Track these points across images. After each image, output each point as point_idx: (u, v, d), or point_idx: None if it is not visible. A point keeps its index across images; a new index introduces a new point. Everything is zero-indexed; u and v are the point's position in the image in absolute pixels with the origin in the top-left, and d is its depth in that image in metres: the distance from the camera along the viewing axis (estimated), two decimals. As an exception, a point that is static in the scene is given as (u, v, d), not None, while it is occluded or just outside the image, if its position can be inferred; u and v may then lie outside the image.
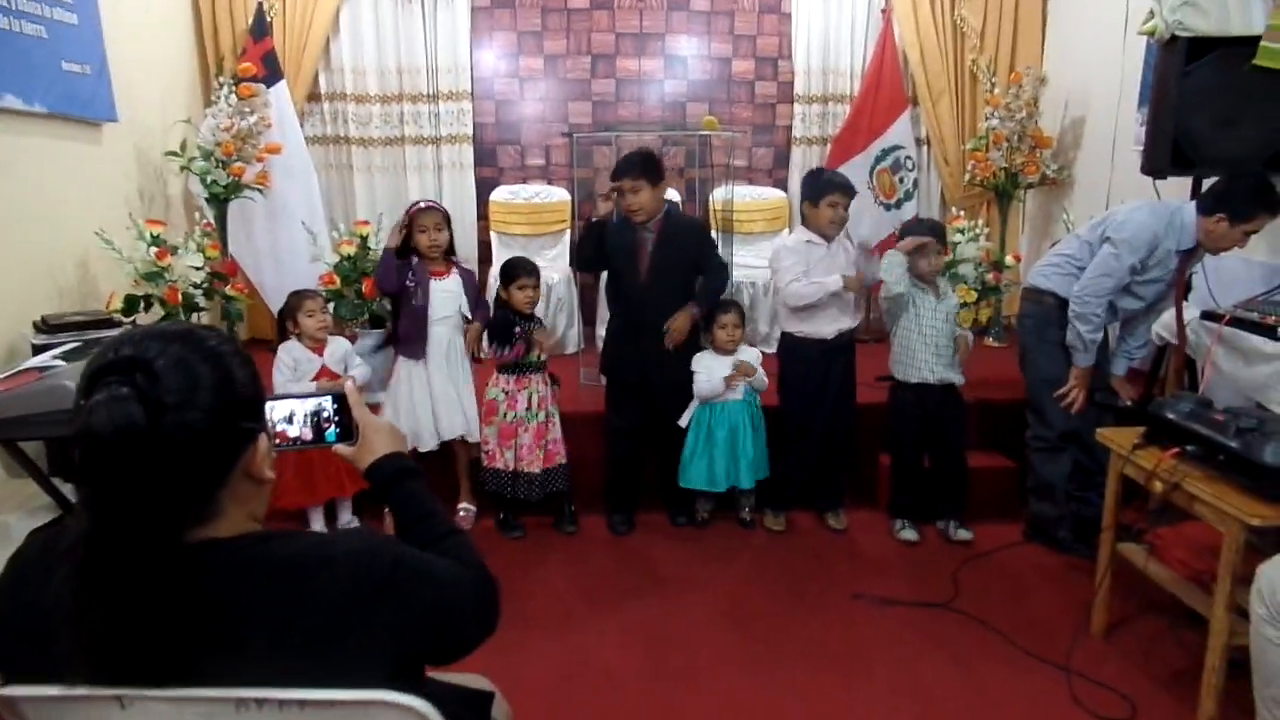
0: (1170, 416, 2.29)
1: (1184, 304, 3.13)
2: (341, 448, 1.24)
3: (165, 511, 0.89)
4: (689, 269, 3.34)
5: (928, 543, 3.36)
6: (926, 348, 3.24)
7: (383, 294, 3.47)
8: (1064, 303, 3.06)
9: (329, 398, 1.25)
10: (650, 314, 3.31)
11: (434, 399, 3.32)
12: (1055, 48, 5.07)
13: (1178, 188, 3.37)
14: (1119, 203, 4.18)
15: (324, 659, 0.91)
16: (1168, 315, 3.16)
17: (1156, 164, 3.18)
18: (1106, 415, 3.11)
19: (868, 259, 3.29)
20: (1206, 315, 3.03)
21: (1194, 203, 2.91)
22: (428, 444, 3.32)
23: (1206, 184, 2.99)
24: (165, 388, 0.88)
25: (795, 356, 3.41)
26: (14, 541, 2.35)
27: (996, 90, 4.81)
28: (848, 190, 3.29)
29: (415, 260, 3.25)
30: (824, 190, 3.27)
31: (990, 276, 4.27)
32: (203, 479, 0.93)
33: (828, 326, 3.32)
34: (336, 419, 1.25)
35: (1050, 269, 3.17)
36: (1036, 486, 3.26)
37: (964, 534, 3.34)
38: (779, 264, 3.35)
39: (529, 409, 3.30)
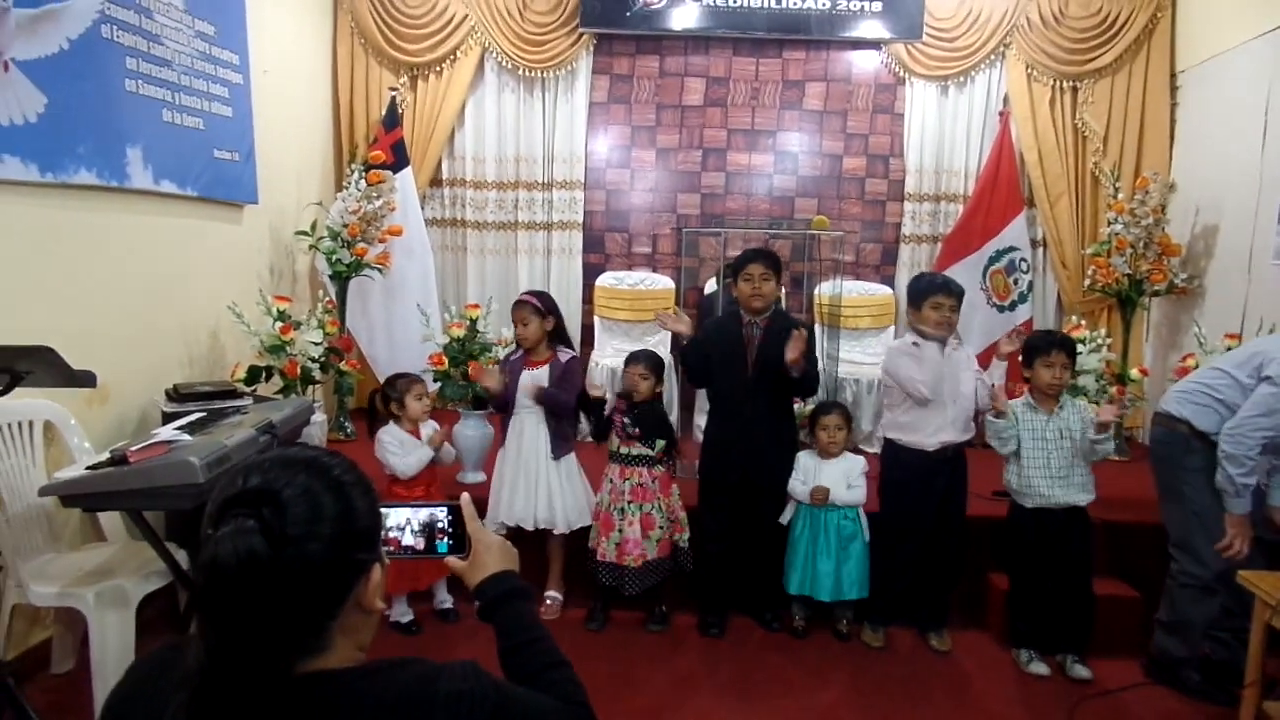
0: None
1: None
2: (453, 561, 1.23)
3: (280, 643, 0.90)
4: None
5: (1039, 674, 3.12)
6: (1039, 469, 3.06)
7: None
8: (1199, 433, 2.87)
9: (444, 508, 1.25)
10: (752, 410, 3.26)
11: (507, 485, 3.34)
12: (1185, 153, 4.89)
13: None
14: (1257, 317, 3.94)
15: None
16: None
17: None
18: (1257, 552, 2.84)
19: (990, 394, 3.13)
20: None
21: None
22: (493, 524, 3.34)
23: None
24: (291, 519, 0.90)
25: (896, 463, 3.28)
26: (129, 605, 2.44)
27: (1120, 196, 4.65)
28: (950, 289, 3.18)
29: (518, 353, 3.35)
30: (925, 292, 3.19)
31: (1114, 390, 4.05)
32: (317, 610, 0.93)
33: (930, 438, 3.17)
34: (450, 530, 1.24)
35: (1185, 397, 2.96)
36: (1173, 624, 2.98)
37: (1082, 671, 3.07)
38: (892, 364, 3.25)
39: (632, 501, 3.26)
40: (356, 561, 0.96)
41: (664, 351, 5.01)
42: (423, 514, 1.25)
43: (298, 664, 0.92)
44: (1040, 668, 3.11)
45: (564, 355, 3.40)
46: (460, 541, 1.24)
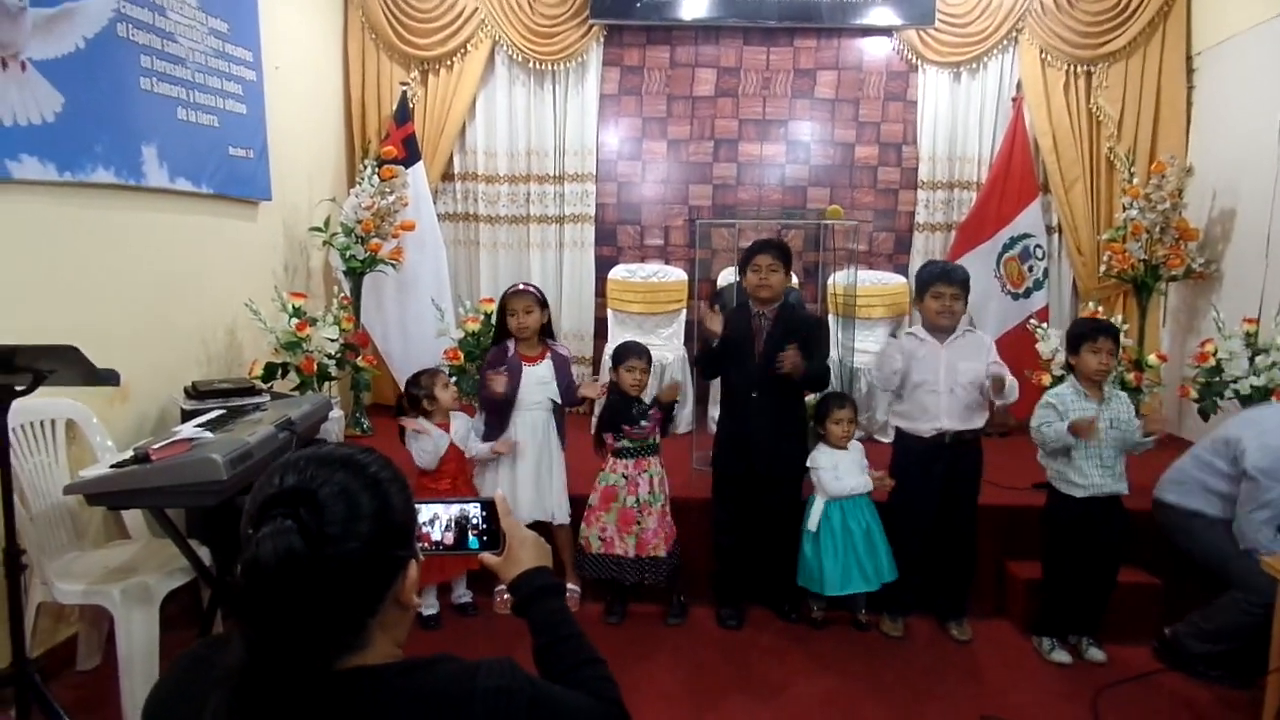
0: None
1: None
2: (487, 557, 1.23)
3: (320, 641, 0.90)
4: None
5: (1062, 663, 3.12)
6: (1090, 460, 3.05)
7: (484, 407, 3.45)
8: (1194, 511, 2.99)
9: (477, 505, 1.25)
10: (760, 402, 3.25)
11: (516, 483, 3.33)
12: (1202, 138, 4.84)
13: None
14: (1276, 301, 3.91)
15: None
16: None
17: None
18: None
19: (997, 392, 3.13)
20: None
21: None
22: None
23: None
24: (328, 518, 0.90)
25: (902, 449, 3.31)
26: (153, 602, 2.46)
27: (1136, 180, 4.62)
28: (951, 278, 3.16)
29: (511, 349, 3.31)
30: (927, 281, 3.20)
31: (1131, 376, 4.02)
32: (357, 607, 0.93)
33: (925, 425, 3.18)
34: (484, 526, 1.24)
35: (1175, 485, 3.10)
36: (1211, 632, 2.94)
37: (1097, 654, 3.11)
38: (880, 354, 3.30)
39: (651, 492, 3.27)
40: (395, 558, 0.96)
41: (677, 344, 5.02)
42: (454, 509, 1.24)
43: (338, 661, 0.93)
44: (1063, 656, 3.11)
45: (560, 349, 3.44)
46: (495, 537, 1.24)
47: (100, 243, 3.01)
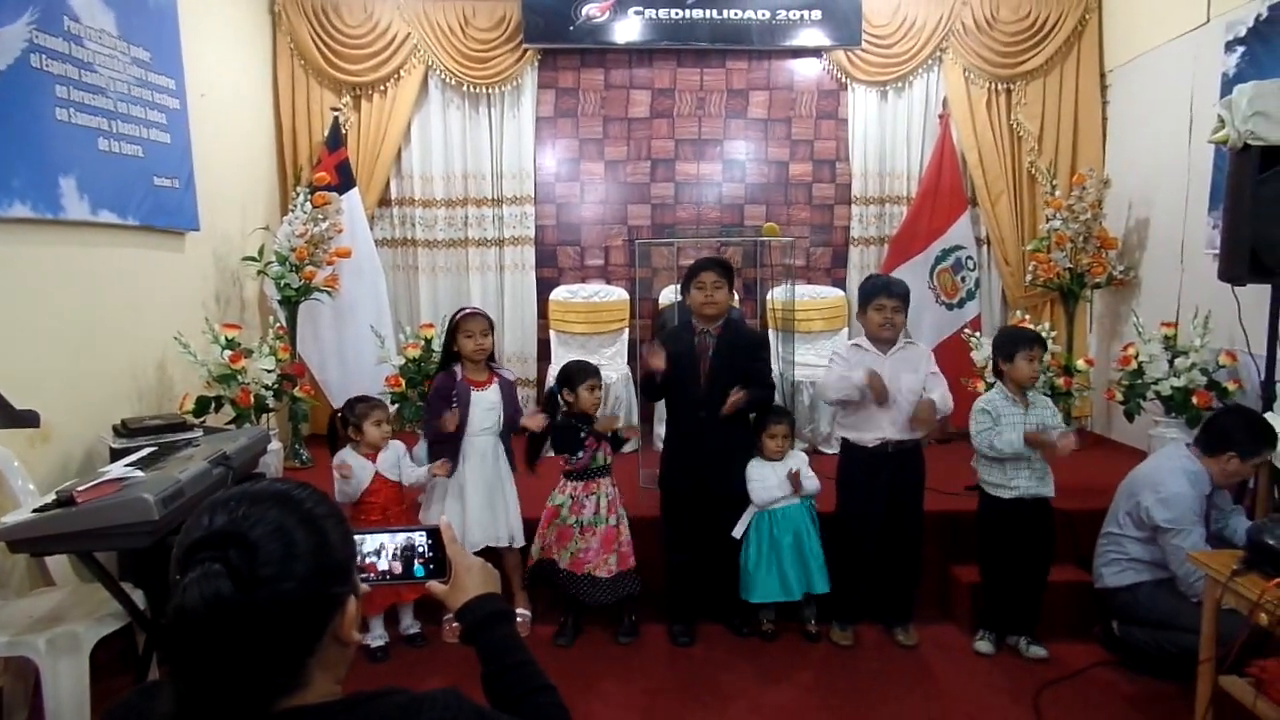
0: (1271, 543, 2.16)
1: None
2: (434, 585, 1.22)
3: (255, 685, 0.88)
4: (745, 379, 3.30)
5: (1003, 661, 3.20)
6: (1018, 465, 3.14)
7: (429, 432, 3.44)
8: (1132, 585, 3.07)
9: (423, 533, 1.24)
10: (705, 420, 3.27)
11: (466, 508, 3.29)
12: (1117, 151, 5.05)
13: (1256, 293, 3.29)
14: (1191, 305, 4.08)
15: None
16: None
17: (1235, 271, 3.11)
18: None
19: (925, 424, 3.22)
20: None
21: (1186, 448, 3.05)
22: None
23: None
24: (262, 559, 0.88)
25: (847, 459, 3.35)
26: (82, 651, 2.36)
27: (1058, 193, 4.79)
28: (892, 290, 3.24)
29: (458, 374, 3.29)
30: (870, 294, 3.27)
31: (1060, 381, 4.16)
32: (293, 648, 0.91)
33: (869, 434, 3.23)
34: (430, 555, 1.23)
35: (1106, 569, 3.16)
36: (1160, 623, 3.00)
37: (1038, 651, 3.19)
38: (828, 365, 3.32)
39: (597, 513, 3.26)
40: (332, 596, 0.94)
41: (620, 363, 5.03)
42: (400, 538, 1.23)
43: (275, 703, 0.90)
44: (985, 646, 3.24)
45: (506, 374, 3.45)
46: (441, 565, 1.23)
47: (17, 278, 2.90)
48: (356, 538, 1.20)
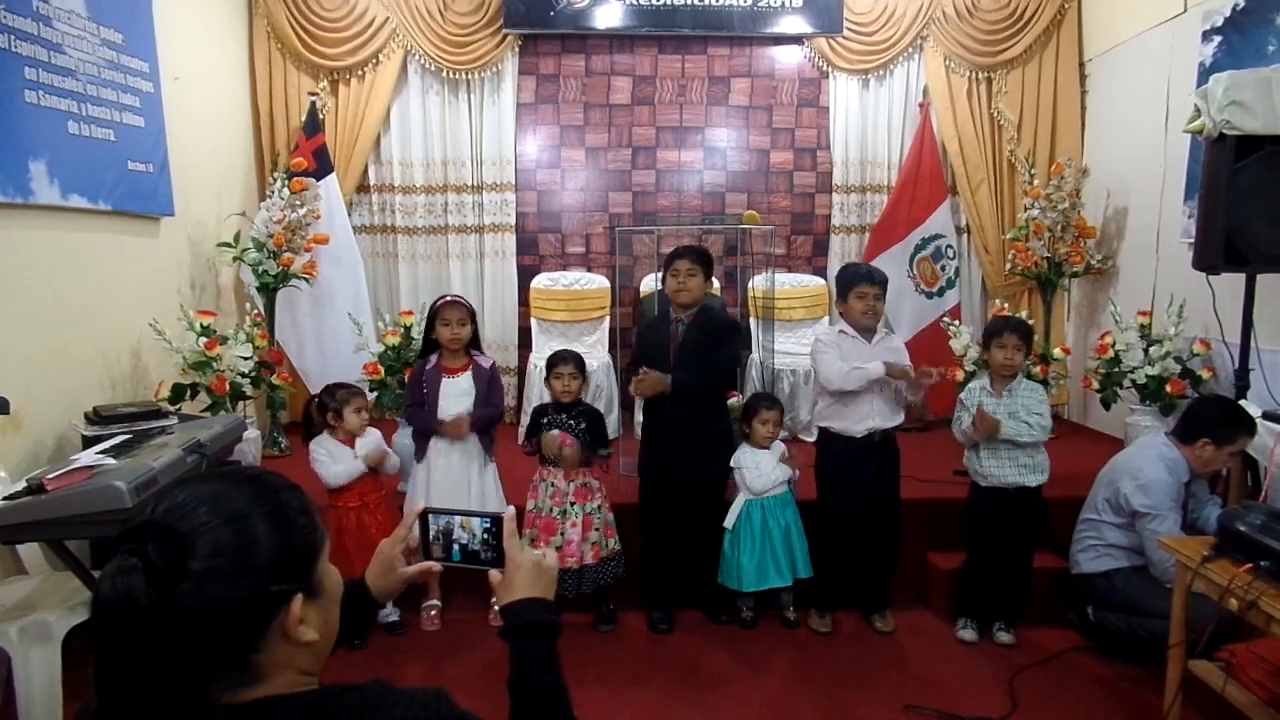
0: (1241, 529, 2.19)
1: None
2: (494, 574, 1.21)
3: (184, 680, 0.83)
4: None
5: (978, 647, 3.23)
6: (988, 453, 3.17)
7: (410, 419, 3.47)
8: (1108, 571, 3.10)
9: (486, 519, 1.23)
10: (678, 408, 3.28)
11: (431, 496, 3.27)
12: (1096, 140, 5.08)
13: (1231, 281, 3.32)
14: (1167, 293, 4.11)
15: None
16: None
17: (1209, 260, 3.13)
18: None
19: (911, 388, 3.22)
20: (1268, 415, 2.95)
21: (1165, 436, 3.07)
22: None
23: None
24: (187, 554, 0.84)
25: (829, 450, 3.35)
26: (54, 640, 2.34)
27: (1036, 182, 4.82)
28: (873, 279, 3.25)
29: (432, 361, 3.29)
30: (850, 283, 3.27)
31: (1038, 370, 4.19)
32: (226, 647, 0.86)
33: (857, 424, 3.22)
34: (493, 542, 1.22)
35: (1083, 555, 3.19)
36: (1134, 608, 3.04)
37: (1005, 637, 3.23)
38: (816, 354, 3.31)
39: (572, 503, 3.26)
40: (269, 594, 0.89)
41: (601, 351, 5.02)
42: (474, 523, 1.23)
43: (226, 695, 0.86)
44: (968, 634, 3.26)
45: (484, 361, 3.40)
46: (500, 554, 1.21)
47: (-13, 264, 2.86)
48: (430, 516, 1.22)
